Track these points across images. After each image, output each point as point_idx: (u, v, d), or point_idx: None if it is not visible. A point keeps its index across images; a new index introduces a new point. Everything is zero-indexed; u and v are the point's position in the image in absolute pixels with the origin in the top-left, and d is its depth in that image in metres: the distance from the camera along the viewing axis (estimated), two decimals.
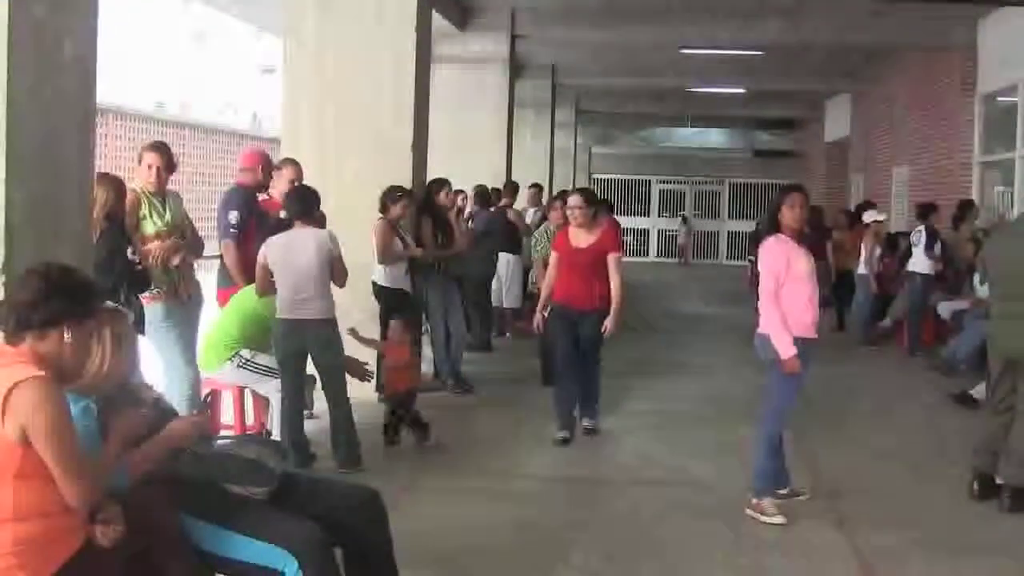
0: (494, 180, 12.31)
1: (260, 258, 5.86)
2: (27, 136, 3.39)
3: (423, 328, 8.55)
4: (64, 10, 3.58)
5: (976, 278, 9.04)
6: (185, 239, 5.83)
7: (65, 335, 2.82)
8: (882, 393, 9.07)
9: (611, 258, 6.70)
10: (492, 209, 11.23)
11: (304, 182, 6.70)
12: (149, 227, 5.65)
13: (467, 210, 10.85)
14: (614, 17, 12.98)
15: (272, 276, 5.81)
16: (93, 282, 3.20)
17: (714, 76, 18.31)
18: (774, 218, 5.25)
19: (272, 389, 5.98)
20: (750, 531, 5.10)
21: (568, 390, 6.85)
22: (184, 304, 5.80)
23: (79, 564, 2.78)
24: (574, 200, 6.82)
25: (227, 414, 6.22)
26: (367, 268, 7.51)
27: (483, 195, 11.18)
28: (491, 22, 13.04)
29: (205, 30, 30.03)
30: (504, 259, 11.19)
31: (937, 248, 10.63)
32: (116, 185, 5.32)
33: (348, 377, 6.13)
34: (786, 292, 5.12)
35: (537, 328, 7.25)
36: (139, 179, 5.74)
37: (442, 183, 8.61)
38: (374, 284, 7.69)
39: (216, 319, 6.26)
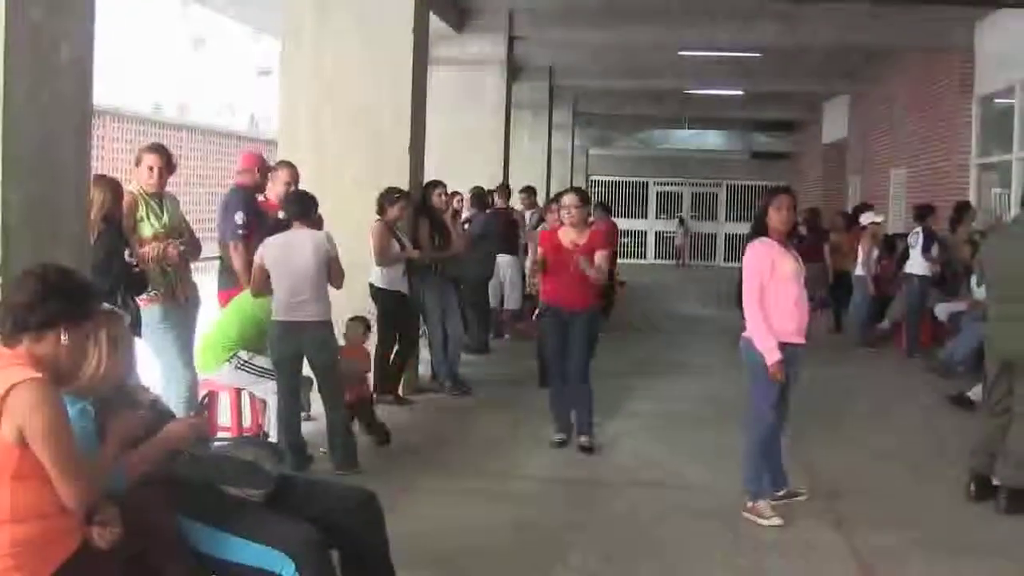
0: (491, 182, 12.26)
1: (257, 258, 5.86)
2: (24, 138, 3.39)
3: (421, 330, 8.55)
4: (61, 13, 3.57)
5: (973, 280, 9.02)
6: (183, 240, 5.83)
7: (62, 337, 2.82)
8: (880, 394, 9.07)
9: (598, 254, 6.65)
10: (488, 211, 11.23)
11: (300, 184, 6.71)
12: (146, 229, 5.63)
13: (464, 212, 10.84)
14: (612, 19, 12.98)
15: (268, 277, 5.81)
16: (90, 284, 3.20)
17: (712, 78, 18.30)
18: (760, 221, 5.24)
19: (269, 391, 5.97)
20: (748, 532, 5.10)
21: (560, 389, 6.83)
22: (181, 306, 5.78)
23: (76, 565, 2.77)
24: (569, 199, 6.80)
25: (224, 416, 6.22)
26: (364, 269, 7.49)
27: (480, 197, 11.18)
28: (488, 24, 13.02)
29: (203, 32, 30.02)
30: (503, 261, 11.19)
31: (934, 250, 10.63)
32: (113, 187, 5.31)
33: None
34: (772, 294, 5.11)
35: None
36: (137, 181, 5.72)
37: (435, 184, 8.59)
38: (371, 286, 7.68)
39: (215, 320, 6.26)
